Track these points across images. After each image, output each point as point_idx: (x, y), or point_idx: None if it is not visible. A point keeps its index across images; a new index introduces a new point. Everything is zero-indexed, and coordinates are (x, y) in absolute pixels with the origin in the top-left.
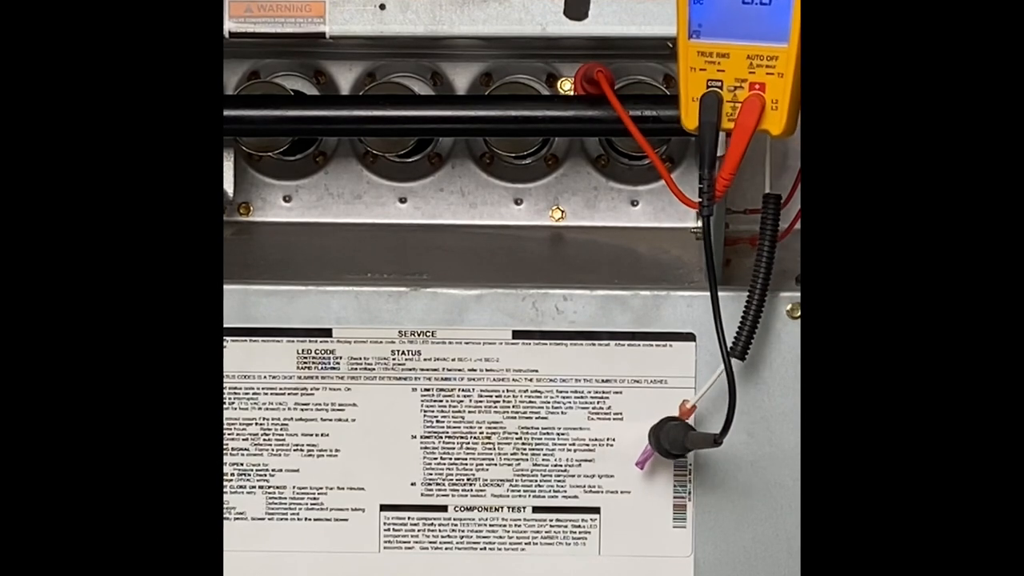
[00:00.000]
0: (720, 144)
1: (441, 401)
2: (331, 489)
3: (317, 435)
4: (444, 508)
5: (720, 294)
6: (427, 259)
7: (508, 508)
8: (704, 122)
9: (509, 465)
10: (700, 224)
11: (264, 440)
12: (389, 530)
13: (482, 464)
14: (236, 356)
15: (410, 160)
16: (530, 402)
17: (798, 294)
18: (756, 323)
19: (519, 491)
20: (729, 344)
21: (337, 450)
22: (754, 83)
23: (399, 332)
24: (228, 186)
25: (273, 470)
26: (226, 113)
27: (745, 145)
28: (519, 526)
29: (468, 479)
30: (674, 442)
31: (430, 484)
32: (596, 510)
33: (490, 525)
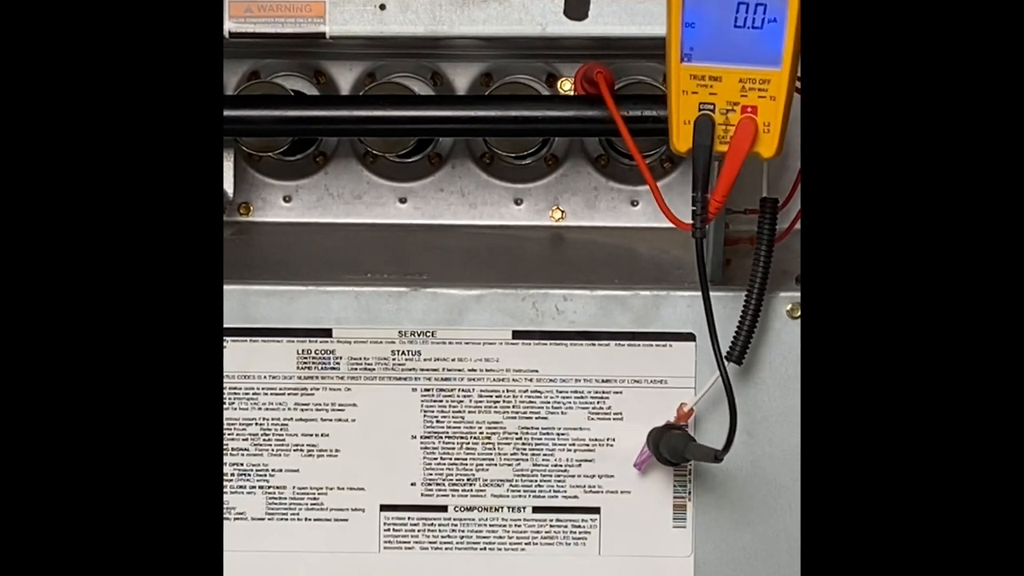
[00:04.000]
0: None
1: (441, 401)
2: (331, 489)
3: (317, 435)
4: (444, 508)
5: (719, 294)
6: (427, 259)
7: (508, 508)
8: (698, 145)
9: (509, 465)
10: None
11: (264, 440)
12: (389, 530)
13: (482, 464)
14: (236, 356)
15: (410, 160)
16: (530, 402)
17: (798, 294)
18: (753, 328)
19: (519, 491)
20: (727, 349)
21: (337, 450)
22: (746, 106)
23: (399, 332)
24: (228, 186)
25: (273, 470)
26: (226, 113)
27: (738, 168)
28: (519, 526)
29: (468, 479)
30: (674, 451)
31: (430, 484)
32: (596, 510)
33: (490, 525)
